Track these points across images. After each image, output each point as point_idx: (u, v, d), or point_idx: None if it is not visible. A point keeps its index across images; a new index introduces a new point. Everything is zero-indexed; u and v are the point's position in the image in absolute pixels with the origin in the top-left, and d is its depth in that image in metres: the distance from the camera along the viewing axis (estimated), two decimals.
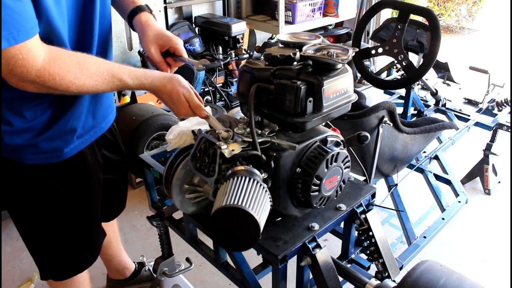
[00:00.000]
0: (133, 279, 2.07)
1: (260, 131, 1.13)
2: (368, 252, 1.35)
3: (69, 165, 1.28)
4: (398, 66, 2.72)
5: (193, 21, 3.57)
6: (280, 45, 1.22)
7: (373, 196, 1.36)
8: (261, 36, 4.13)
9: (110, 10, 1.28)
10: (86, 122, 1.28)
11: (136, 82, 1.13)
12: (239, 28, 3.32)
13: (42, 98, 1.15)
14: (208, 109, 1.40)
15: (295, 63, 1.13)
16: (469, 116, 2.75)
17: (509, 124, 2.59)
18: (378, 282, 1.19)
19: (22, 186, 1.27)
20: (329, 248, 1.19)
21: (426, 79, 2.83)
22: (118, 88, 1.12)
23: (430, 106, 2.88)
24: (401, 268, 1.65)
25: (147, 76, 1.15)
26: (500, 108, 2.78)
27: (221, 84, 3.51)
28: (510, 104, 2.74)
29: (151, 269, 2.11)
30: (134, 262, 2.09)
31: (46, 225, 1.35)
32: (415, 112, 2.78)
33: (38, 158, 1.22)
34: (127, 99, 2.99)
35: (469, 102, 2.99)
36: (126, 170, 1.67)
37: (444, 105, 2.88)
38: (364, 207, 1.31)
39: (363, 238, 1.33)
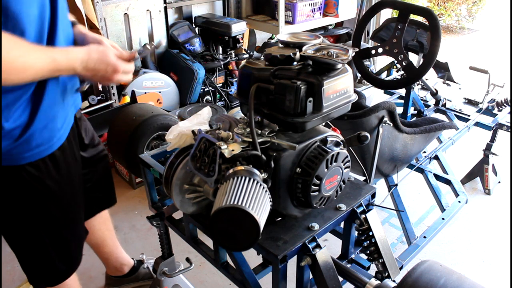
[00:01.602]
0: (132, 275, 2.07)
1: (260, 131, 1.13)
2: (368, 252, 1.35)
3: (54, 160, 1.28)
4: (398, 66, 2.72)
5: (193, 21, 3.58)
6: (280, 45, 1.22)
7: (373, 196, 1.36)
8: (261, 36, 4.13)
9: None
10: (61, 108, 1.27)
11: (65, 55, 1.11)
12: (239, 28, 3.32)
13: (21, 95, 1.13)
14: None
15: (295, 63, 1.13)
16: (469, 116, 2.75)
17: (509, 124, 2.59)
18: (378, 282, 1.19)
19: (10, 191, 1.26)
20: (329, 248, 1.19)
21: (426, 79, 2.82)
22: (50, 67, 1.07)
23: (430, 106, 2.88)
24: (401, 268, 1.65)
25: (73, 48, 1.15)
26: (500, 108, 2.78)
27: (221, 84, 3.51)
28: (510, 104, 2.74)
29: (150, 267, 2.11)
30: (133, 259, 2.09)
31: (37, 229, 1.34)
32: (415, 112, 2.78)
33: (32, 155, 1.21)
34: (127, 99, 2.99)
35: (469, 102, 2.99)
36: (105, 162, 1.66)
37: (444, 105, 2.87)
38: (364, 207, 1.31)
39: (363, 238, 1.33)
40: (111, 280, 2.08)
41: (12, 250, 1.40)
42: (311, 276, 1.21)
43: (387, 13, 4.29)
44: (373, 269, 1.38)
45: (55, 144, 1.26)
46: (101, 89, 2.98)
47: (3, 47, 0.95)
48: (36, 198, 1.29)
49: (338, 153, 1.14)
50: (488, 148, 2.73)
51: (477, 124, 2.70)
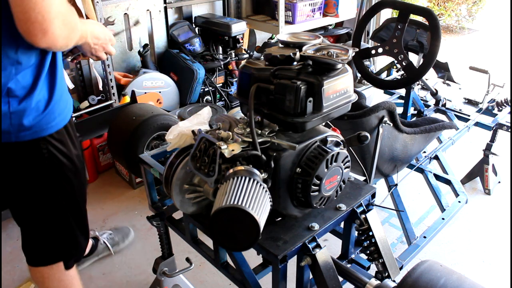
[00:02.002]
0: (91, 254, 2.16)
1: (260, 131, 1.13)
2: (368, 252, 1.35)
3: (68, 133, 1.38)
4: (398, 66, 2.72)
5: (193, 21, 3.57)
6: (280, 45, 1.22)
7: (373, 196, 1.36)
8: (261, 36, 4.13)
9: None
10: (64, 82, 1.38)
11: (86, 26, 1.31)
12: (239, 28, 3.32)
13: (42, 70, 1.25)
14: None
15: (295, 63, 1.13)
16: (469, 116, 2.75)
17: (509, 124, 2.59)
18: (378, 282, 1.19)
19: (37, 167, 1.31)
20: (329, 248, 1.19)
21: (426, 79, 2.82)
22: (79, 34, 1.23)
23: (430, 106, 2.88)
24: (401, 268, 1.65)
25: (87, 20, 1.38)
26: (500, 108, 2.77)
27: (221, 84, 3.51)
28: (510, 104, 2.74)
29: (106, 242, 2.21)
30: (90, 238, 2.15)
31: (62, 204, 1.39)
32: (415, 112, 2.78)
33: (57, 123, 1.31)
34: (127, 99, 2.99)
35: (469, 102, 2.99)
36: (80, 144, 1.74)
37: (444, 105, 2.87)
38: (364, 207, 1.31)
39: (363, 238, 1.33)
40: None
41: (27, 232, 1.43)
42: (311, 276, 1.21)
43: (387, 13, 4.29)
44: (373, 269, 1.38)
45: (68, 114, 1.38)
46: (101, 89, 2.98)
47: (72, 16, 1.14)
48: (63, 172, 1.36)
49: (338, 153, 1.14)
50: (488, 148, 2.73)
51: (477, 124, 2.70)
